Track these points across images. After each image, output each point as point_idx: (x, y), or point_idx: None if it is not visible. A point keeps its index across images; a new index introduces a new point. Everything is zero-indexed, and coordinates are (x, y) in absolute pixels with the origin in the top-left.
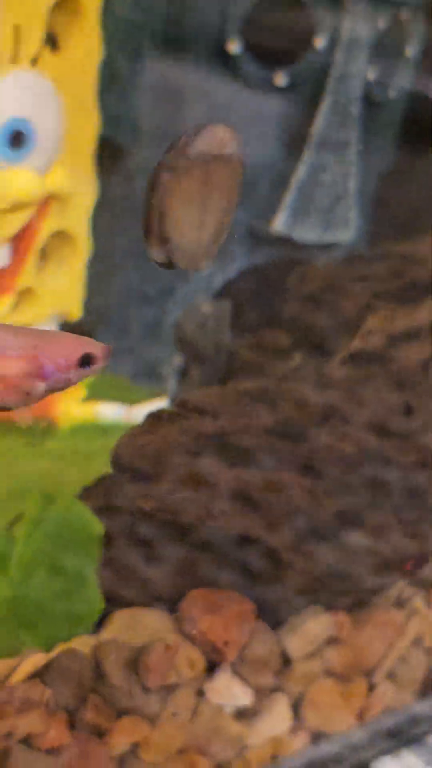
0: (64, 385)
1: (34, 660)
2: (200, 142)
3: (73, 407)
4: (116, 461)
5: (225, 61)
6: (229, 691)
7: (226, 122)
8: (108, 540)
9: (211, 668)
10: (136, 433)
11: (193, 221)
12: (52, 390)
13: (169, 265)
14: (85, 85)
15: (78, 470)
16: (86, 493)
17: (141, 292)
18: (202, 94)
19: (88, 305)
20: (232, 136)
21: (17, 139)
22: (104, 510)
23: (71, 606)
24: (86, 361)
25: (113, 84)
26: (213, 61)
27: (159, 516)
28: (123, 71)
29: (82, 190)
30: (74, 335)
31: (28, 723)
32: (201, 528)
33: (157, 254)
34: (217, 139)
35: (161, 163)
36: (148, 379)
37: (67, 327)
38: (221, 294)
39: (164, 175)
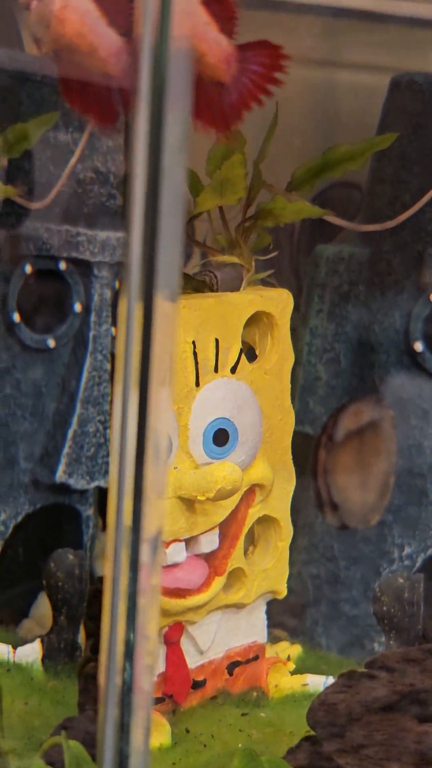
0: None
1: None
2: (341, 425)
3: (284, 679)
4: (312, 720)
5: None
6: None
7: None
8: None
9: None
10: (329, 692)
11: (356, 485)
12: None
13: (344, 527)
14: (280, 388)
15: (286, 737)
16: (289, 754)
17: (343, 570)
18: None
19: (293, 583)
20: (372, 409)
21: (221, 437)
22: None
23: None
24: None
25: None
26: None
27: None
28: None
29: (282, 480)
30: None
31: None
32: None
33: (331, 520)
34: (356, 417)
35: (318, 443)
36: (355, 650)
37: (276, 603)
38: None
39: (321, 454)
